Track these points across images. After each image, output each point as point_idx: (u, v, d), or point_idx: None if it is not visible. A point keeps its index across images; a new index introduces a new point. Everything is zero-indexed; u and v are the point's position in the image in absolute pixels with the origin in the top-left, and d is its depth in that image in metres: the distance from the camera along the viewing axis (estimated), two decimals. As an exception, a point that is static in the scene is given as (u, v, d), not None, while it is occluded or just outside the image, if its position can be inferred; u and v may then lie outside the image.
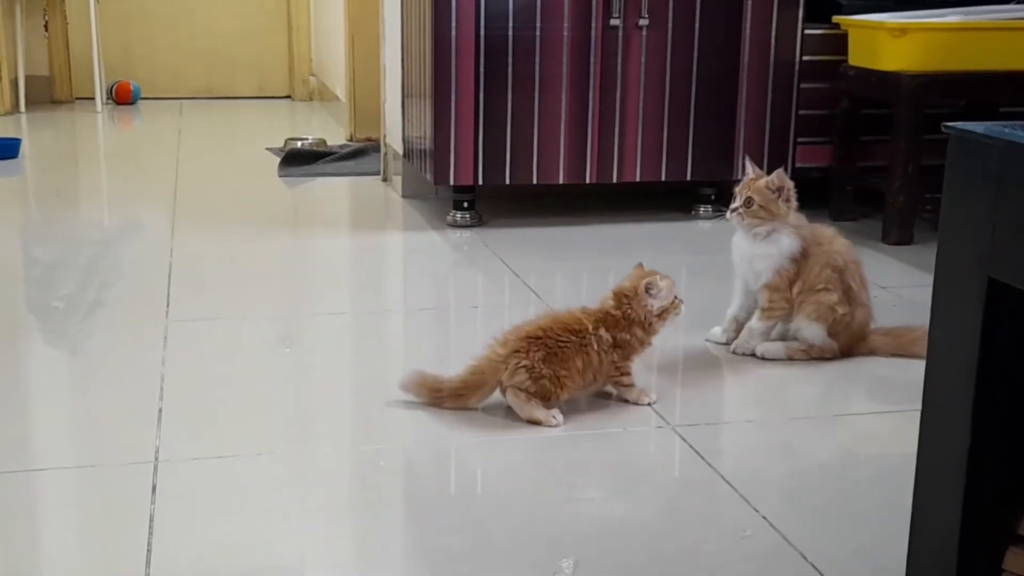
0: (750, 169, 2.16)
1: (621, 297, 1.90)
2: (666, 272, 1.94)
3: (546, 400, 1.83)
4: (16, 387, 2.04)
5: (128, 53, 6.25)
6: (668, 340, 2.28)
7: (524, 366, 1.81)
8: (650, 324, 1.90)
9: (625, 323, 1.89)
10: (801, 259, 2.12)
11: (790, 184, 2.13)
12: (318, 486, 1.64)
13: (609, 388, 1.95)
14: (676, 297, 1.92)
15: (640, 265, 1.96)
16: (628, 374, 1.91)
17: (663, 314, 1.90)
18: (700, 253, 3.05)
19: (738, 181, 2.19)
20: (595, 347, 1.85)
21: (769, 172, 2.16)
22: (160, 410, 1.88)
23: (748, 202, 2.11)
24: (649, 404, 1.92)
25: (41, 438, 1.81)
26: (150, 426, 1.81)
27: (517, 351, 1.82)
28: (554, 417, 1.83)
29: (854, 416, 1.97)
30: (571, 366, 1.83)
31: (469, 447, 1.77)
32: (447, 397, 1.87)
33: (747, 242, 2.15)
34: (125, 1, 5.88)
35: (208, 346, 2.24)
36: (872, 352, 2.19)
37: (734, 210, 2.13)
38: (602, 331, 1.87)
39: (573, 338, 1.84)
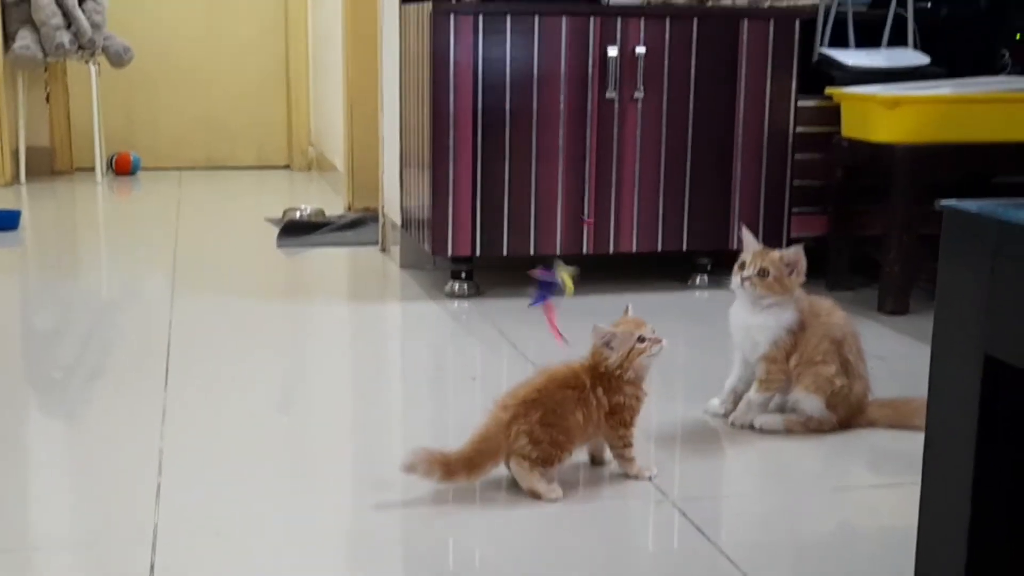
0: (750, 239, 2.16)
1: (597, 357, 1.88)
2: (656, 331, 1.93)
3: (549, 464, 1.82)
4: (13, 460, 2.03)
5: (129, 124, 6.31)
6: (666, 412, 2.28)
7: (523, 431, 1.80)
8: (620, 377, 1.86)
9: (616, 382, 1.87)
10: (799, 331, 2.13)
11: (804, 262, 2.12)
12: (316, 560, 1.63)
13: (607, 455, 1.95)
14: (642, 338, 1.87)
15: (626, 310, 1.96)
16: (630, 445, 1.90)
17: (624, 364, 1.86)
18: (698, 323, 3.05)
19: (734, 251, 2.20)
20: (594, 403, 1.84)
21: (764, 243, 2.18)
22: (159, 485, 1.87)
23: (763, 272, 2.10)
24: (649, 479, 1.91)
25: (38, 515, 1.80)
26: (148, 501, 1.80)
27: (516, 416, 1.81)
28: (554, 491, 1.82)
29: (854, 489, 1.96)
30: (571, 422, 1.82)
31: (466, 522, 1.76)
32: (460, 470, 1.80)
33: (746, 312, 2.15)
34: (126, 72, 5.94)
35: (206, 419, 2.23)
36: (871, 424, 2.19)
37: (746, 278, 2.12)
38: (600, 391, 1.85)
39: (571, 393, 1.83)
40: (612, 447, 1.91)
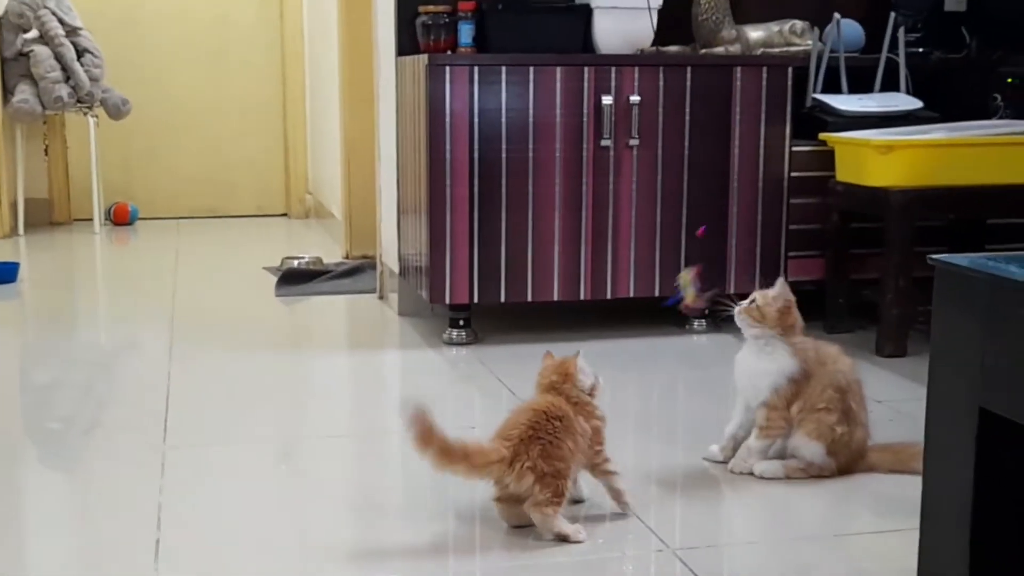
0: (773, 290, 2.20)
1: (553, 386, 1.93)
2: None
3: (561, 497, 1.83)
4: (10, 514, 2.02)
5: (126, 174, 6.34)
6: (666, 458, 2.28)
7: (528, 467, 1.81)
8: (589, 401, 1.93)
9: (584, 409, 1.92)
10: (802, 379, 2.13)
11: (789, 296, 2.15)
12: (316, 618, 1.63)
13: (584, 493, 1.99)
14: (596, 378, 1.97)
15: (548, 354, 2.03)
16: (609, 460, 1.94)
17: (592, 391, 1.95)
18: (695, 368, 3.06)
19: (731, 295, 2.23)
20: (578, 430, 1.87)
21: (762, 287, 2.21)
22: (158, 541, 1.87)
23: (751, 301, 2.16)
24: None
25: (36, 570, 1.79)
26: (148, 557, 1.80)
27: (517, 454, 1.82)
28: (579, 532, 1.84)
29: (856, 535, 1.95)
30: (565, 451, 1.84)
31: (470, 572, 1.76)
32: (458, 460, 1.81)
33: (751, 358, 2.16)
34: (124, 124, 5.98)
35: (206, 472, 2.23)
36: (871, 469, 2.19)
37: (739, 311, 2.17)
38: (581, 420, 1.89)
39: (559, 423, 1.86)
40: (596, 468, 1.93)
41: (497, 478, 1.84)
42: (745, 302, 2.18)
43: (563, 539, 1.83)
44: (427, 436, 1.81)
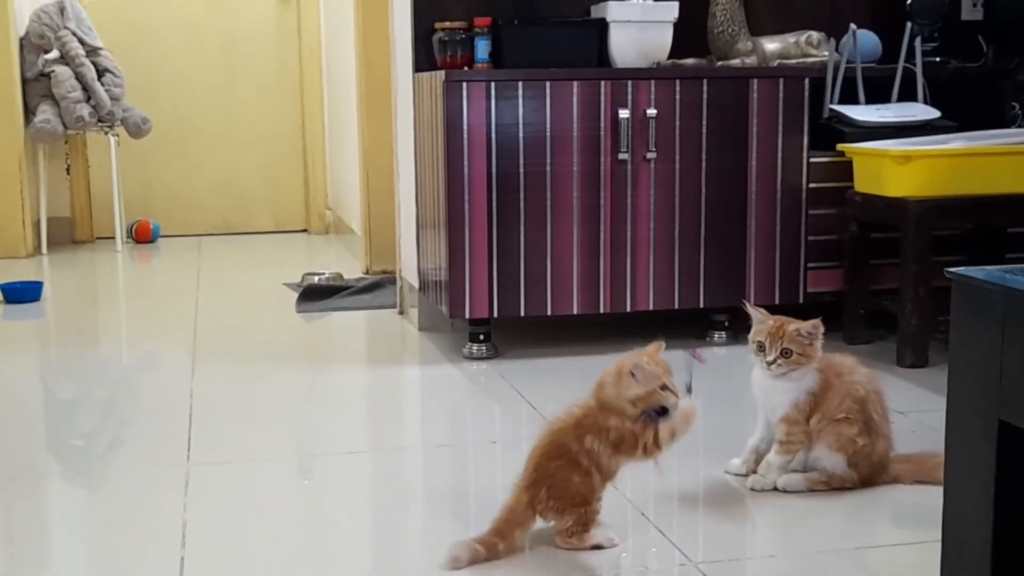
0: (757, 315, 2.17)
1: (599, 388, 1.88)
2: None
3: (589, 523, 1.83)
4: (34, 533, 2.04)
5: (148, 192, 6.39)
6: (687, 472, 2.28)
7: (548, 508, 1.83)
8: (622, 410, 1.85)
9: (603, 415, 1.85)
10: (820, 391, 2.13)
11: (821, 329, 2.13)
12: (340, 634, 1.63)
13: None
14: (662, 388, 1.86)
15: (660, 344, 1.96)
16: (653, 442, 1.85)
17: (637, 402, 1.85)
18: (716, 380, 3.05)
19: (748, 307, 2.20)
20: (585, 462, 1.84)
21: (781, 299, 2.19)
22: (182, 559, 1.88)
23: (786, 353, 2.11)
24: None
25: (63, 589, 1.81)
26: (172, 574, 1.81)
27: (532, 497, 1.84)
28: (610, 538, 1.85)
29: (878, 548, 1.95)
30: (573, 487, 1.83)
31: (491, 589, 1.77)
32: (494, 542, 1.83)
33: (766, 375, 2.16)
34: (145, 142, 6.03)
35: (229, 489, 2.25)
36: (894, 480, 2.19)
37: (771, 363, 2.12)
38: (588, 440, 1.84)
39: (559, 463, 1.84)
40: (647, 455, 1.86)
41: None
42: (771, 356, 2.10)
43: (598, 549, 1.84)
44: (474, 554, 1.83)
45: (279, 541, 1.98)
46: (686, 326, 3.53)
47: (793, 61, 3.48)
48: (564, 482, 1.83)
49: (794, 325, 2.12)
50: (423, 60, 3.51)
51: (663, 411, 1.85)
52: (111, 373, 3.31)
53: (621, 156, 3.21)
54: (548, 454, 1.86)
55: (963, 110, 3.44)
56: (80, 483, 2.33)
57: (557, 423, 1.90)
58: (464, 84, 3.12)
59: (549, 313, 3.26)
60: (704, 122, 3.26)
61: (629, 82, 3.20)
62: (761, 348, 2.13)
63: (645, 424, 1.84)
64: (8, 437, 2.65)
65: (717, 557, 1.87)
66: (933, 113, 3.36)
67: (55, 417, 2.86)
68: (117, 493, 2.27)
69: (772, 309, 2.20)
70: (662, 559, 1.86)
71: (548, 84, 3.16)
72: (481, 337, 3.30)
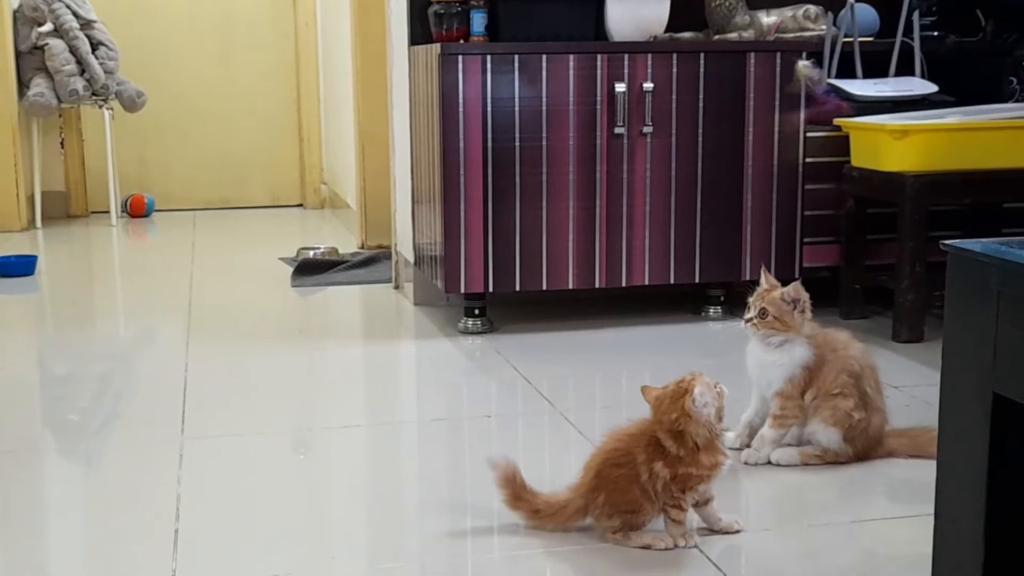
0: (764, 280, 2.18)
1: (673, 423, 1.76)
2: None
3: (638, 527, 1.81)
4: (30, 507, 2.04)
5: (142, 166, 6.37)
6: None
7: (602, 514, 1.81)
8: (711, 442, 1.77)
9: (691, 457, 1.76)
10: (815, 367, 2.13)
11: (805, 296, 2.13)
12: (334, 607, 1.64)
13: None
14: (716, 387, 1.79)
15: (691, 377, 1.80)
16: (680, 508, 1.80)
17: (718, 424, 1.77)
18: (711, 355, 3.05)
19: (747, 282, 2.21)
20: (645, 476, 1.77)
21: (777, 274, 2.19)
22: (176, 531, 1.88)
23: (762, 313, 2.12)
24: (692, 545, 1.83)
25: (56, 561, 1.81)
26: (166, 548, 1.81)
27: (587, 503, 1.82)
28: (661, 540, 1.80)
29: (873, 521, 1.95)
30: (631, 497, 1.79)
31: (486, 563, 1.77)
32: (547, 518, 1.84)
33: (760, 350, 2.16)
34: (139, 116, 6.00)
35: (224, 463, 2.25)
36: (889, 454, 2.19)
37: (748, 320, 2.14)
38: (658, 466, 1.77)
39: (623, 471, 1.79)
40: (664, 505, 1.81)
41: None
42: (752, 313, 2.13)
43: (646, 548, 1.79)
44: (517, 498, 1.85)
45: (274, 515, 1.98)
46: (681, 301, 3.53)
47: (791, 35, 3.47)
48: (623, 492, 1.78)
49: (781, 290, 2.13)
50: (419, 33, 3.49)
51: None
52: (106, 348, 3.30)
53: (617, 131, 3.20)
54: (613, 461, 1.80)
55: (961, 85, 3.43)
56: (75, 458, 2.33)
57: (626, 432, 1.83)
58: (460, 58, 3.10)
59: (544, 288, 3.25)
60: (701, 96, 3.25)
61: (626, 56, 3.18)
62: (748, 310, 2.15)
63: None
64: (4, 411, 2.65)
65: (710, 531, 1.87)
66: (931, 88, 3.34)
67: (50, 392, 2.86)
68: (112, 468, 2.27)
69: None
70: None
71: (544, 58, 3.14)
72: (476, 312, 3.30)
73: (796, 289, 2.13)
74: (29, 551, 1.84)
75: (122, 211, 6.07)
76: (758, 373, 2.18)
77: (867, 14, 3.52)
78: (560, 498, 1.85)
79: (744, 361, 2.22)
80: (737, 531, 1.86)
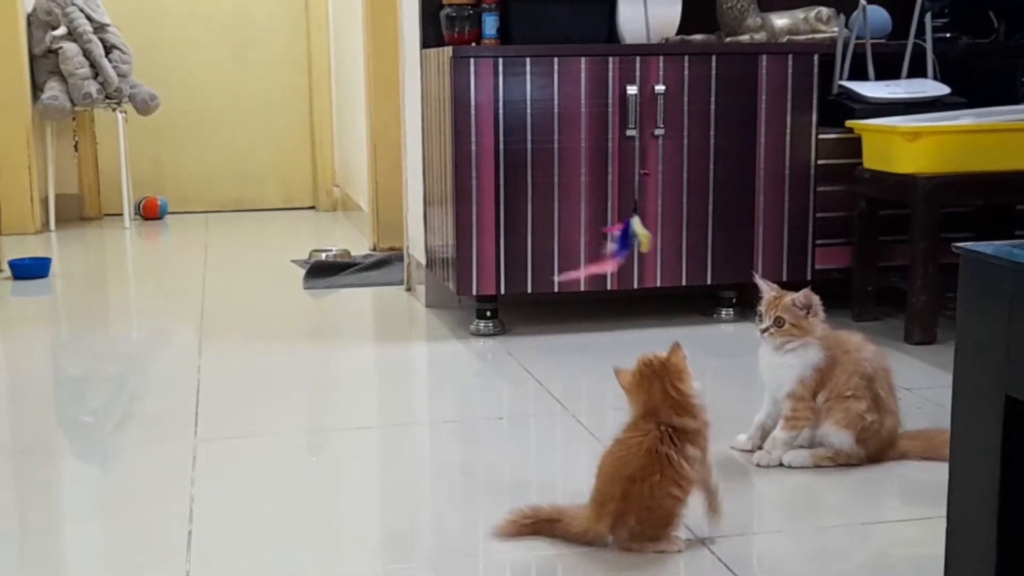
0: (764, 287, 2.18)
1: (679, 397, 1.78)
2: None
3: (655, 542, 1.78)
4: (44, 508, 2.05)
5: (156, 169, 6.38)
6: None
7: (628, 533, 1.77)
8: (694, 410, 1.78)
9: (690, 421, 1.77)
10: (827, 368, 2.13)
11: (816, 300, 2.14)
12: (347, 608, 1.64)
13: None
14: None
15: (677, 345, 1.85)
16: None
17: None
18: (723, 357, 3.05)
19: (758, 284, 2.21)
20: (686, 470, 1.75)
21: (789, 276, 2.19)
22: (190, 532, 1.89)
23: (778, 321, 2.12)
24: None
25: (70, 562, 1.82)
26: (180, 549, 1.82)
27: (615, 527, 1.77)
28: (675, 543, 1.79)
29: (884, 523, 1.95)
30: (667, 506, 1.75)
31: (499, 564, 1.77)
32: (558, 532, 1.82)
33: (771, 352, 2.16)
34: (153, 118, 6.02)
35: (237, 465, 2.25)
36: (902, 456, 2.19)
37: (765, 330, 2.14)
38: (690, 449, 1.76)
39: (652, 484, 1.73)
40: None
41: None
42: (768, 323, 2.13)
43: (661, 552, 1.78)
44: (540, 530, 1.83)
45: (286, 516, 1.99)
46: (693, 303, 3.53)
47: (802, 37, 3.47)
48: (660, 502, 1.74)
49: (791, 296, 2.13)
50: (431, 36, 3.49)
51: None
52: (120, 349, 3.32)
53: (629, 133, 3.20)
54: (639, 476, 1.74)
55: (973, 86, 3.43)
56: (89, 459, 2.34)
57: (635, 442, 1.77)
58: (472, 60, 3.11)
59: (556, 290, 3.26)
60: (712, 98, 3.25)
61: (637, 58, 3.19)
62: (760, 317, 2.15)
63: None
64: (18, 413, 2.67)
65: (722, 532, 1.87)
66: (943, 89, 3.34)
67: (64, 393, 2.88)
68: (126, 468, 2.28)
69: (779, 286, 2.20)
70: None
71: (556, 60, 3.14)
72: (488, 314, 3.30)
73: (807, 296, 2.13)
74: (44, 551, 1.85)
75: (135, 213, 6.09)
76: (769, 375, 2.19)
77: (879, 16, 3.52)
78: (579, 522, 1.80)
79: (756, 363, 2.22)
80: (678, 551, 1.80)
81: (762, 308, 2.16)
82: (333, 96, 6.43)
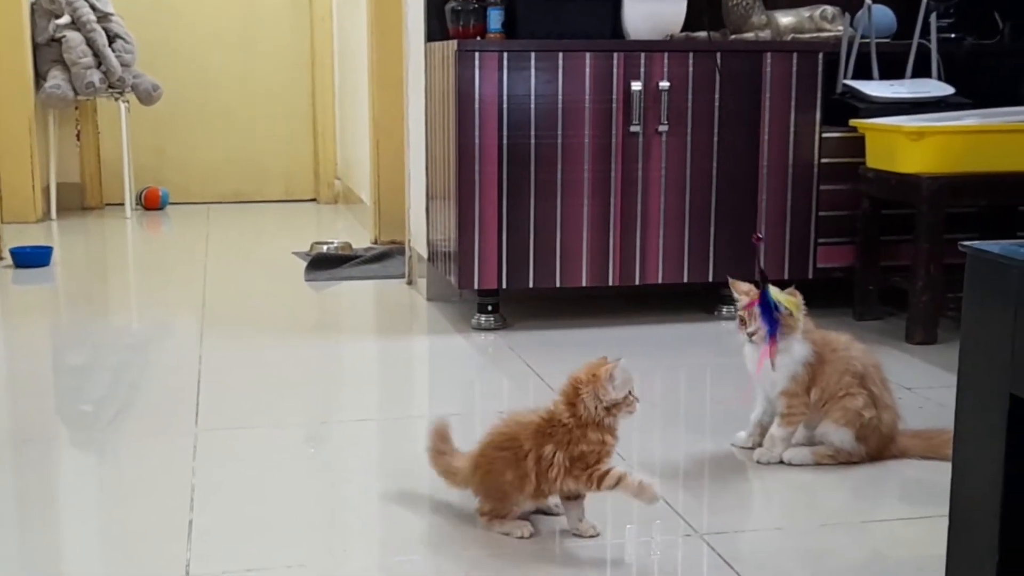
0: (737, 291, 2.17)
1: (572, 391, 1.79)
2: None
3: (501, 515, 1.85)
4: (44, 497, 2.05)
5: (157, 159, 6.39)
6: (693, 445, 2.29)
7: (474, 487, 1.88)
8: (600, 421, 1.76)
9: (579, 431, 1.77)
10: (816, 364, 2.13)
11: (800, 297, 2.14)
12: (347, 599, 1.64)
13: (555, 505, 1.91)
14: (631, 393, 1.78)
15: (603, 359, 1.83)
16: (604, 478, 1.77)
17: (613, 408, 1.76)
18: (724, 354, 3.05)
19: (760, 282, 2.19)
20: (530, 465, 1.79)
21: (791, 275, 2.19)
22: (190, 522, 1.89)
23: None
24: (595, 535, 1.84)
25: (70, 551, 1.82)
26: (180, 539, 1.82)
27: (471, 474, 1.89)
28: (520, 528, 1.84)
29: (884, 522, 1.95)
30: (502, 482, 1.82)
31: (496, 557, 1.77)
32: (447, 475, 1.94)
33: (758, 351, 2.15)
34: (155, 109, 6.02)
35: (237, 455, 2.25)
36: (902, 454, 2.19)
37: (751, 334, 2.13)
38: (548, 449, 1.78)
39: (505, 454, 1.82)
40: (593, 489, 1.79)
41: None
42: (751, 327, 2.11)
43: (506, 535, 1.84)
44: (439, 453, 1.96)
45: (287, 507, 1.99)
46: (695, 300, 3.53)
47: (807, 36, 3.46)
48: (497, 475, 1.83)
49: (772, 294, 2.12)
50: (435, 30, 3.49)
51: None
52: (120, 339, 3.32)
53: (633, 129, 3.20)
54: (497, 444, 1.85)
55: (978, 87, 3.42)
56: (89, 448, 2.34)
57: (522, 418, 1.85)
58: (476, 54, 3.11)
59: (558, 285, 3.26)
60: (717, 96, 3.25)
61: (642, 54, 3.18)
62: (743, 322, 2.14)
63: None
64: (19, 401, 2.67)
65: (722, 528, 1.87)
66: (947, 89, 3.34)
67: (64, 382, 2.88)
68: (126, 458, 2.28)
69: (782, 284, 2.19)
70: (668, 530, 1.87)
71: (561, 55, 3.14)
72: (490, 308, 3.30)
73: (792, 294, 2.13)
74: (44, 540, 1.85)
75: (137, 203, 6.09)
76: (760, 373, 2.18)
77: (884, 15, 3.52)
78: (461, 463, 1.92)
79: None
80: (592, 536, 1.82)
81: (741, 312, 2.15)
82: (336, 88, 6.43)
